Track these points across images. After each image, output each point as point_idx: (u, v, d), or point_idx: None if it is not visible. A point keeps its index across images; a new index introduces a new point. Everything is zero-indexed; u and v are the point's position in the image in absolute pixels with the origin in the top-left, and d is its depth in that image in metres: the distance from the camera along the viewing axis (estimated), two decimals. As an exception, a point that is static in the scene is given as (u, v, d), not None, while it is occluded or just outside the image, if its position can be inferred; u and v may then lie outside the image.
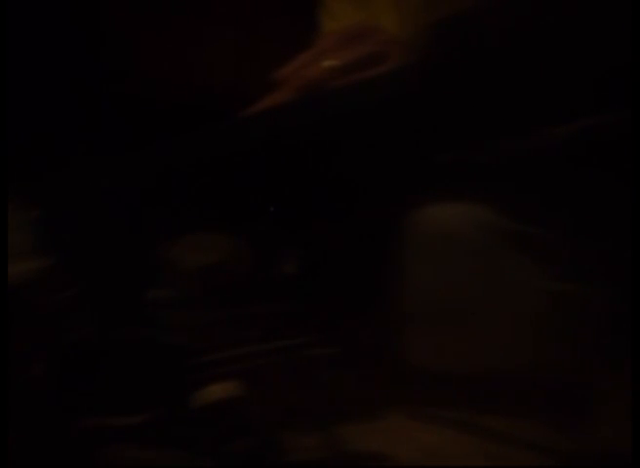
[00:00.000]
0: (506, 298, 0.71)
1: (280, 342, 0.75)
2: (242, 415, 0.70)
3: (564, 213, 0.70)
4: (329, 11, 0.93)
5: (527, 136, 0.72)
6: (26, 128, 0.93)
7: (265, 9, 1.06)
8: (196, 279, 0.78)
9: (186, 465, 0.68)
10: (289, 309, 0.77)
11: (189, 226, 0.77)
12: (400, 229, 0.72)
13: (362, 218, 0.77)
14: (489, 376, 0.71)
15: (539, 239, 0.70)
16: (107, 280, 0.75)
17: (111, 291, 0.75)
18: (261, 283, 0.79)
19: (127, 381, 0.71)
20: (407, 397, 0.73)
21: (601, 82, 0.67)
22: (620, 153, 0.69)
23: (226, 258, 0.79)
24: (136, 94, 1.03)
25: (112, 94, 1.02)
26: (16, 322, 0.69)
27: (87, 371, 0.71)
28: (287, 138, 0.73)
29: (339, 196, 0.76)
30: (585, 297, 0.69)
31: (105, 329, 0.73)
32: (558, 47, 0.67)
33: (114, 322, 0.73)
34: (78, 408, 0.70)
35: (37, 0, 1.00)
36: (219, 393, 0.70)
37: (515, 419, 0.71)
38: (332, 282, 0.79)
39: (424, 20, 0.80)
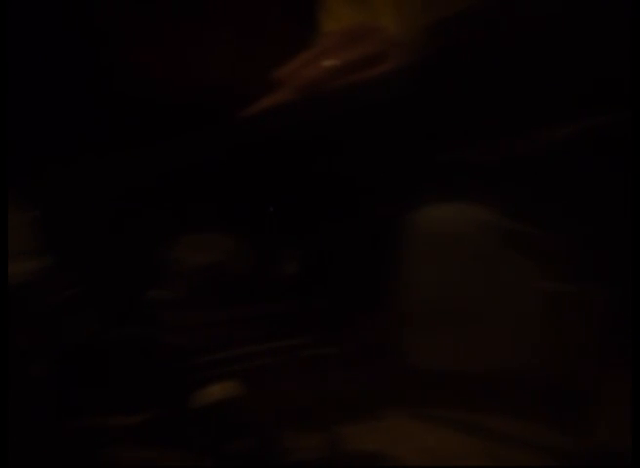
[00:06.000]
0: (506, 298, 0.71)
1: (280, 342, 0.75)
2: (242, 415, 0.70)
3: (564, 213, 0.70)
4: (329, 11, 0.93)
5: (527, 137, 0.72)
6: (26, 128, 0.93)
7: (265, 9, 1.06)
8: (196, 279, 0.78)
9: (186, 465, 0.68)
10: (289, 309, 0.77)
11: (189, 226, 0.77)
12: (400, 229, 0.72)
13: (362, 218, 0.77)
14: (489, 376, 0.71)
15: (539, 239, 0.70)
16: (107, 280, 0.75)
17: (111, 290, 0.75)
18: (261, 283, 0.79)
19: (127, 381, 0.71)
20: (407, 397, 0.73)
21: (601, 82, 0.67)
22: (619, 153, 0.69)
23: (226, 258, 0.79)
24: (136, 94, 1.03)
25: (112, 94, 1.02)
26: (16, 322, 0.70)
27: (87, 371, 0.71)
28: (287, 139, 0.73)
29: (339, 196, 0.76)
30: (585, 297, 0.69)
31: (105, 328, 0.73)
32: (558, 47, 0.67)
33: (114, 322, 0.73)
34: (78, 407, 0.70)
35: (36, 0, 1.00)
36: (218, 393, 0.70)
37: (515, 419, 0.71)
38: (332, 282, 0.79)
39: (424, 21, 0.79)
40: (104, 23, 1.05)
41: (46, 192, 0.77)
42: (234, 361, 0.74)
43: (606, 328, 0.69)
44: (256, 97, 0.79)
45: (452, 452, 0.69)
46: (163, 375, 0.72)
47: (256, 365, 0.74)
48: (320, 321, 0.77)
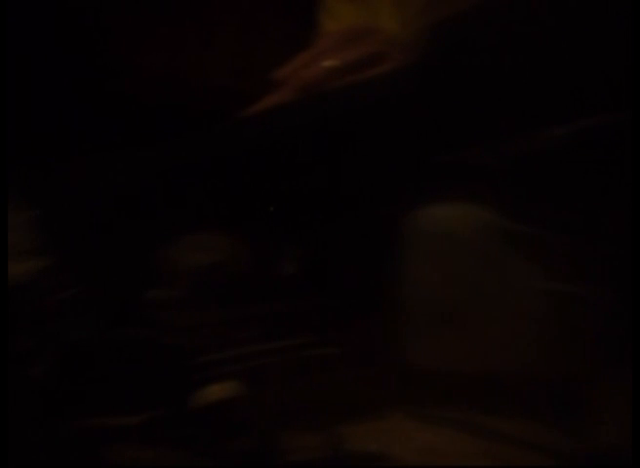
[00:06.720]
0: (506, 298, 0.71)
1: (280, 342, 0.75)
2: (242, 415, 0.70)
3: (564, 213, 0.70)
4: (329, 11, 0.93)
5: (527, 137, 0.72)
6: (26, 128, 0.93)
7: (265, 9, 1.06)
8: (196, 279, 0.78)
9: (186, 465, 0.68)
10: (289, 309, 0.77)
11: (189, 226, 0.77)
12: (400, 229, 0.72)
13: (362, 218, 0.77)
14: (489, 376, 0.71)
15: (539, 239, 0.70)
16: (107, 280, 0.75)
17: (111, 290, 0.75)
18: (261, 283, 0.79)
19: (127, 381, 0.71)
20: (407, 397, 0.73)
21: (601, 82, 0.67)
22: (619, 153, 0.69)
23: (226, 258, 0.79)
24: (136, 94, 1.03)
25: (112, 94, 1.02)
26: (16, 322, 0.69)
27: (87, 371, 0.71)
28: (287, 139, 0.73)
29: (339, 196, 0.76)
30: (585, 297, 0.69)
31: (105, 329, 0.73)
32: (557, 47, 0.67)
33: (114, 322, 0.73)
34: (78, 407, 0.70)
35: (36, 0, 1.00)
36: (218, 393, 0.70)
37: (515, 419, 0.71)
38: (332, 282, 0.79)
39: (424, 21, 0.79)
40: (103, 23, 1.05)
41: (46, 192, 0.77)
42: (234, 361, 0.74)
43: (606, 328, 0.69)
44: (256, 97, 0.79)
45: (452, 452, 0.69)
46: (163, 375, 0.72)
47: (256, 365, 0.74)
48: (320, 321, 0.77)
